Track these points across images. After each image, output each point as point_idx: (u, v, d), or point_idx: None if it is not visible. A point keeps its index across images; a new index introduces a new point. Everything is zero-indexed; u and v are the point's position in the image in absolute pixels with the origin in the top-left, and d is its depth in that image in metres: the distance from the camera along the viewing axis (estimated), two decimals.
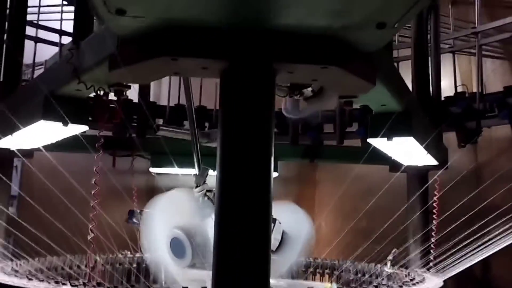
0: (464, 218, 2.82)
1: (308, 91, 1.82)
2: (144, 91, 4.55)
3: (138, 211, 2.61)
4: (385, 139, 2.22)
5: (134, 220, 2.78)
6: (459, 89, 4.96)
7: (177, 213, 2.56)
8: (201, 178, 2.64)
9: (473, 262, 2.73)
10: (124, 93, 1.96)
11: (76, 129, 2.15)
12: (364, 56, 1.51)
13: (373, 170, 4.33)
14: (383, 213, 2.84)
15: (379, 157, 4.29)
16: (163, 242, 2.48)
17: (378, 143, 2.32)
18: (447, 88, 4.89)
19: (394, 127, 2.17)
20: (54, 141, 2.38)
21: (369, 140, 2.27)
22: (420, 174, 3.91)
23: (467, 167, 5.05)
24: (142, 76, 1.58)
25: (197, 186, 2.62)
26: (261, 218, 1.45)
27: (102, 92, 1.92)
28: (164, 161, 3.81)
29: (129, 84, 1.98)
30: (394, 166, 4.20)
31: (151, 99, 5.37)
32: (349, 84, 1.55)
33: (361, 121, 4.83)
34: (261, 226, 1.45)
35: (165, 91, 5.36)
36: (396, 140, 2.24)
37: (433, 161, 2.89)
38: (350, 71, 1.46)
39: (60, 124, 2.06)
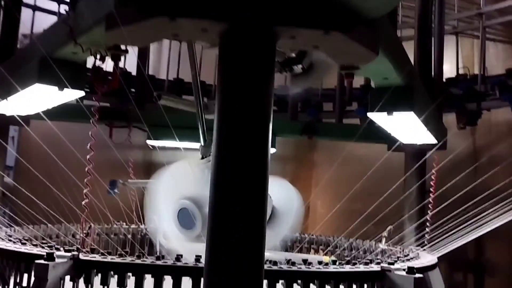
0: (458, 200, 2.81)
1: (298, 68, 1.80)
2: (143, 63, 4.50)
3: (121, 181, 2.57)
4: (385, 113, 2.19)
5: (116, 190, 2.74)
6: (461, 72, 4.93)
7: (184, 184, 2.53)
8: (207, 149, 2.61)
9: (466, 241, 2.74)
10: (121, 58, 1.92)
11: (72, 94, 2.12)
12: (368, 23, 1.47)
13: (371, 152, 4.31)
14: (380, 194, 2.82)
15: (378, 135, 4.28)
16: (170, 214, 2.45)
17: (378, 118, 2.29)
18: (447, 72, 4.85)
19: (395, 101, 2.14)
20: (50, 106, 2.35)
21: (369, 115, 2.24)
22: (418, 154, 3.89)
23: (465, 151, 5.06)
24: (140, 38, 1.54)
25: (203, 157, 2.60)
26: (258, 188, 1.43)
27: (99, 56, 1.88)
28: (162, 134, 3.78)
29: (126, 49, 1.94)
30: (393, 145, 4.19)
31: (150, 73, 5.33)
32: (351, 52, 1.52)
33: (360, 100, 4.82)
34: (257, 196, 1.43)
35: (164, 65, 5.31)
36: (397, 115, 2.21)
37: (432, 140, 2.86)
38: (353, 38, 1.43)
39: (56, 88, 2.03)
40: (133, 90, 4.60)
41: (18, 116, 3.41)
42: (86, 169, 2.08)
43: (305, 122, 4.25)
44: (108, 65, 1.94)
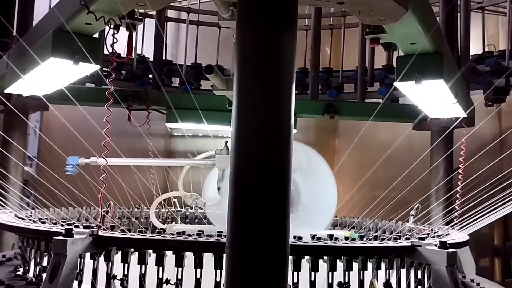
0: (485, 179, 2.69)
1: None
2: (160, 48, 4.45)
3: (81, 158, 2.47)
4: (413, 82, 2.09)
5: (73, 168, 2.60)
6: (487, 49, 4.76)
7: None
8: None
9: (494, 219, 2.61)
10: (136, 27, 1.86)
11: (87, 68, 2.06)
12: None
13: (393, 137, 4.19)
14: (404, 180, 2.72)
15: (402, 114, 4.16)
16: None
17: (405, 87, 2.19)
18: (472, 51, 4.68)
19: (424, 68, 2.03)
20: (66, 83, 2.29)
21: (396, 84, 2.14)
22: (444, 132, 3.75)
23: (491, 131, 4.89)
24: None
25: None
26: (282, 158, 1.35)
27: (112, 25, 1.82)
28: (181, 116, 3.73)
29: (140, 17, 1.88)
30: (418, 123, 4.07)
31: (168, 58, 5.27)
32: (379, 7, 1.42)
33: (382, 81, 4.68)
34: (281, 170, 1.35)
35: (181, 51, 5.25)
36: (425, 84, 2.10)
37: (461, 112, 2.74)
38: None
39: (71, 62, 1.97)
40: (150, 76, 4.56)
41: (35, 99, 3.39)
42: (102, 155, 2.01)
43: (327, 101, 4.13)
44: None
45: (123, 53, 2.01)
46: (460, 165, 3.02)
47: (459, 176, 2.99)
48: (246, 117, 1.36)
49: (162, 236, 1.90)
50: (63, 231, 1.78)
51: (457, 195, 2.87)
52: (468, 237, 2.50)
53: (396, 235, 2.12)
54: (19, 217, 2.40)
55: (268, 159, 1.36)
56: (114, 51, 1.91)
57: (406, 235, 2.21)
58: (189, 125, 3.89)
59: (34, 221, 2.23)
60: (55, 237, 1.74)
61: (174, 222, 3.19)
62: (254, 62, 1.36)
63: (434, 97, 2.37)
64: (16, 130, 3.85)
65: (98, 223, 1.90)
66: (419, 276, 2.16)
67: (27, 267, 2.32)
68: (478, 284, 2.56)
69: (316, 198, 2.91)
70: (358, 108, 4.16)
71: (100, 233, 1.88)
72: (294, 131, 1.44)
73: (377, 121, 3.95)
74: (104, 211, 2.06)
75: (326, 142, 6.25)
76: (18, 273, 2.35)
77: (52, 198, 2.67)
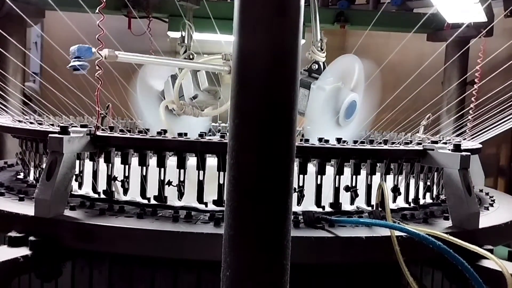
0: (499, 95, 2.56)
1: None
2: None
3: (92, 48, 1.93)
4: None
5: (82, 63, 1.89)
6: None
7: None
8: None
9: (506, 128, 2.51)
10: None
11: None
12: None
13: (404, 59, 3.99)
14: (415, 102, 2.58)
15: (416, 23, 3.94)
16: None
17: None
18: None
19: None
20: None
21: None
22: (461, 44, 3.57)
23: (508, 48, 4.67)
24: None
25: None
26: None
27: None
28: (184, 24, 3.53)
29: None
30: (433, 34, 3.88)
31: None
32: None
33: None
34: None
35: None
36: None
37: (482, 17, 2.56)
38: None
39: None
40: None
41: (31, 4, 3.21)
42: (96, 62, 1.83)
43: (338, 9, 3.91)
44: None
45: None
46: (476, 74, 2.88)
47: (474, 85, 2.86)
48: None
49: (162, 137, 1.83)
50: (59, 129, 1.71)
51: (471, 105, 2.76)
52: (480, 145, 2.41)
53: (407, 141, 2.03)
54: (17, 121, 2.33)
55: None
56: None
57: (418, 141, 2.12)
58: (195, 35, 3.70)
59: (31, 123, 2.15)
60: (50, 135, 1.66)
61: None
62: None
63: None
64: (13, 36, 3.69)
65: (97, 124, 1.81)
66: (428, 183, 2.11)
67: (27, 171, 2.29)
68: (487, 194, 2.52)
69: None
70: (370, 17, 3.94)
71: (98, 133, 1.80)
72: (302, 41, 1.30)
73: (390, 31, 3.76)
74: (102, 114, 1.97)
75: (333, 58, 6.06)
76: (19, 177, 2.32)
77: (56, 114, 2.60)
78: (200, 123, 2.74)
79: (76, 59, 1.89)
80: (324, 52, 2.56)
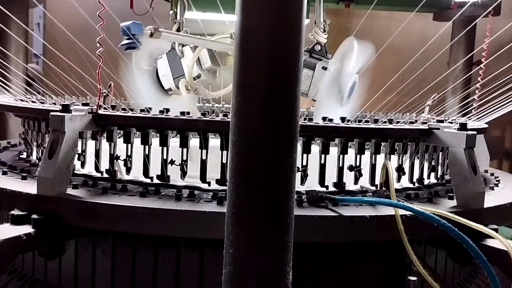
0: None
1: None
2: None
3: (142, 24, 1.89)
4: None
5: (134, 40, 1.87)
6: None
7: None
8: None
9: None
10: None
11: None
12: None
13: (406, 41, 3.93)
14: (419, 85, 2.54)
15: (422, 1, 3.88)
16: None
17: None
18: None
19: None
20: None
21: None
22: (467, 23, 3.52)
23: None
24: None
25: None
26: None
27: None
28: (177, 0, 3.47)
29: None
30: (440, 13, 3.81)
31: None
32: None
33: None
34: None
35: None
36: None
37: None
38: None
39: None
40: None
41: None
42: (97, 39, 1.79)
43: None
44: None
45: None
46: (483, 53, 2.84)
47: (481, 66, 2.82)
48: None
49: (165, 115, 1.81)
50: (61, 107, 1.69)
51: (477, 85, 2.72)
52: (486, 125, 2.39)
53: (412, 120, 2.01)
54: (20, 100, 2.32)
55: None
56: None
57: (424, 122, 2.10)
58: (201, 15, 3.65)
59: (33, 102, 2.14)
60: (52, 113, 1.65)
61: None
62: None
63: None
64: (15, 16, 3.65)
65: (100, 103, 1.80)
66: (433, 163, 2.09)
67: (30, 150, 2.28)
68: (492, 174, 2.50)
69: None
70: None
71: (100, 111, 1.79)
72: (306, 21, 1.26)
73: (396, 10, 3.70)
74: (104, 92, 1.95)
75: (338, 43, 6.00)
76: (22, 156, 2.31)
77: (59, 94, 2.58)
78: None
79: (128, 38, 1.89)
80: (326, 34, 2.54)
